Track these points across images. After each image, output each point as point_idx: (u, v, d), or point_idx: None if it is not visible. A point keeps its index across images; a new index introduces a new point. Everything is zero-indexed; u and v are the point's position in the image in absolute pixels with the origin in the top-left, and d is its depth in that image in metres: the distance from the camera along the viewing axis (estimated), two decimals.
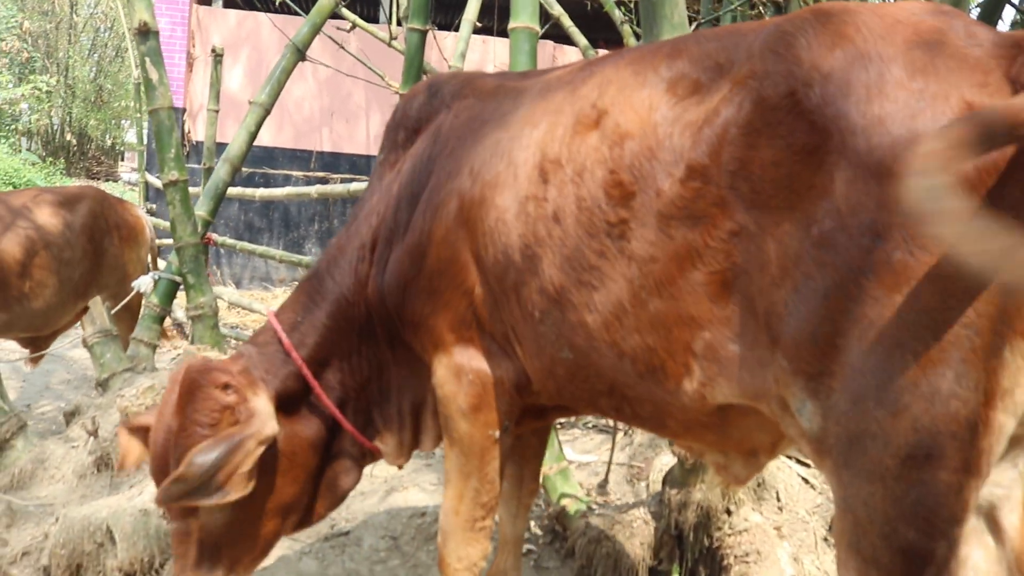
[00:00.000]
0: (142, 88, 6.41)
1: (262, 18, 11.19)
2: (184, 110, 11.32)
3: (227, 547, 2.14)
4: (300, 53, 4.99)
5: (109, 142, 23.27)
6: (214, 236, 7.19)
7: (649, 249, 1.64)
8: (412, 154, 2.25)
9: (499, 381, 2.06)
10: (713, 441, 1.89)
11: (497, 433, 2.09)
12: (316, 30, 5.07)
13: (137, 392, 3.50)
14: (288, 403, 2.23)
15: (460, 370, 2.07)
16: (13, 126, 17.25)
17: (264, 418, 2.11)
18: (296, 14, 7.30)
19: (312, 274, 2.41)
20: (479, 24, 6.48)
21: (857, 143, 1.36)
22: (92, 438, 3.62)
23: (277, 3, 6.89)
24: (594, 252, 1.73)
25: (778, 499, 3.36)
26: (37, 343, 5.25)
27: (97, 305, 4.08)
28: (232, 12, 11.63)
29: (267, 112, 4.86)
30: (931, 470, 1.32)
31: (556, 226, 1.80)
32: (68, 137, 19.76)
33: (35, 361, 5.46)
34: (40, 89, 17.38)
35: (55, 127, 20.04)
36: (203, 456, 1.94)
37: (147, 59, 3.88)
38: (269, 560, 3.13)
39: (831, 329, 1.38)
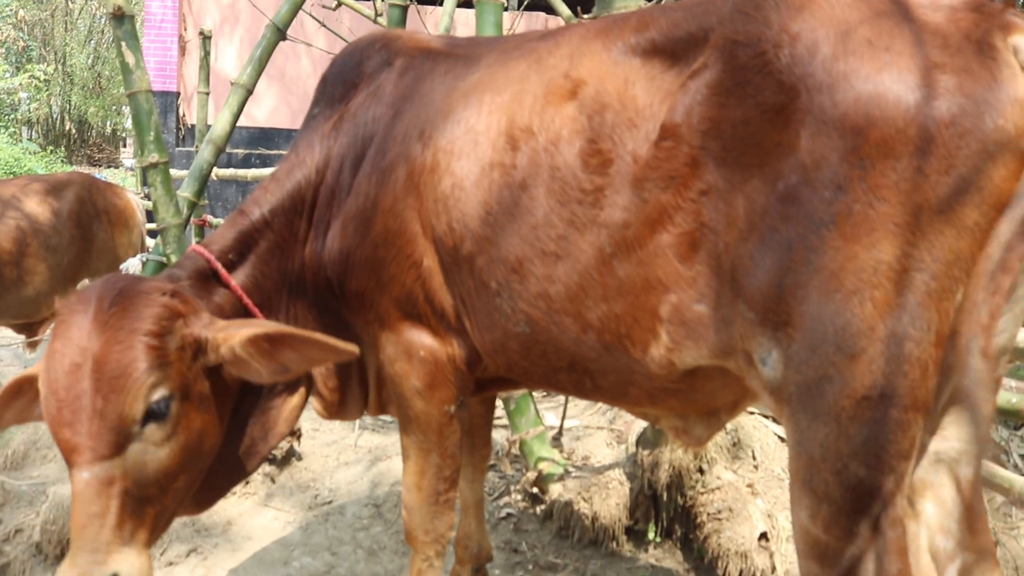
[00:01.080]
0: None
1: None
2: (178, 94, 11.34)
3: (153, 501, 1.77)
4: (280, 32, 5.00)
5: (109, 129, 23.32)
6: (209, 218, 7.27)
7: (622, 214, 1.68)
8: (353, 112, 2.18)
9: (451, 357, 2.05)
10: (675, 406, 1.92)
11: (453, 408, 2.10)
12: (296, 8, 5.05)
13: None
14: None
15: (411, 347, 2.05)
16: (12, 116, 17.30)
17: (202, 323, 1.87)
18: None
19: (242, 213, 2.20)
20: None
21: (823, 99, 1.43)
22: None
23: None
24: (563, 221, 1.75)
25: (754, 458, 3.42)
26: (31, 328, 5.32)
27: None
28: None
29: (249, 92, 4.86)
30: (883, 409, 1.41)
31: (524, 194, 1.80)
32: (68, 125, 19.83)
33: (32, 346, 5.54)
34: (38, 78, 17.42)
35: (55, 116, 20.11)
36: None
37: (123, 43, 3.90)
38: (253, 531, 3.21)
39: (793, 280, 1.45)
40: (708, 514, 3.06)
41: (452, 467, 2.18)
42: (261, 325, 1.90)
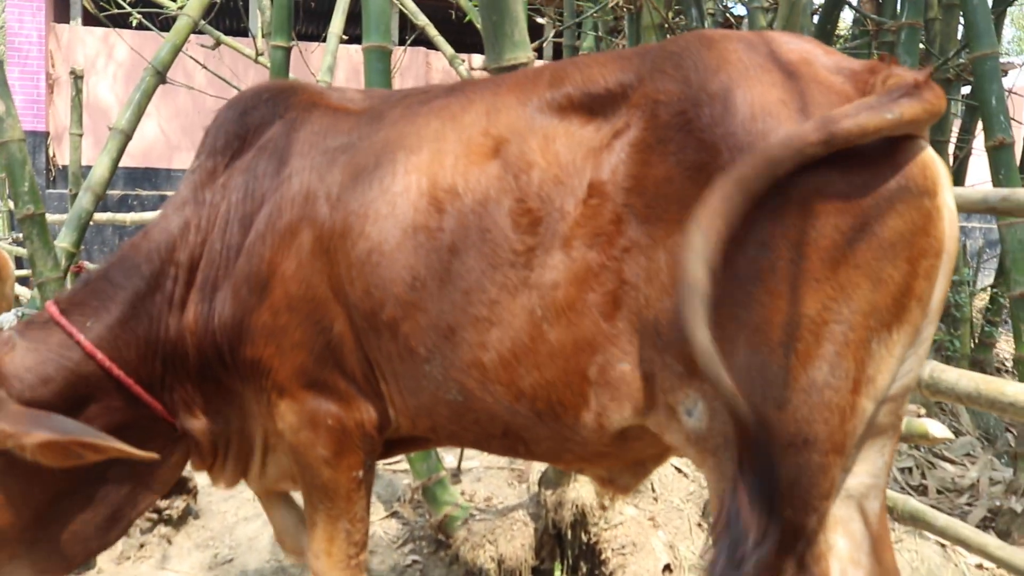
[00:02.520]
0: None
1: (127, 35, 10.85)
2: (48, 133, 10.87)
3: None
4: (160, 76, 4.89)
5: None
6: (86, 264, 6.97)
7: (552, 275, 1.68)
8: (242, 168, 2.09)
9: (359, 423, 1.99)
10: (608, 465, 1.95)
11: (361, 473, 2.06)
12: (176, 50, 4.94)
13: None
14: (66, 407, 1.97)
15: (315, 416, 1.98)
16: None
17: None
18: (150, 30, 7.10)
19: (102, 275, 2.13)
20: (346, 37, 6.46)
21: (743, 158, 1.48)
22: None
23: (133, 23, 6.70)
24: (496, 284, 1.72)
25: (653, 490, 3.51)
26: None
27: None
28: (94, 30, 11.22)
29: (128, 138, 4.73)
30: (806, 454, 1.47)
31: (454, 258, 1.76)
32: None
33: None
34: None
35: None
36: None
37: None
38: None
39: (720, 334, 1.47)
40: (612, 549, 3.12)
41: (361, 531, 2.13)
42: (53, 429, 1.82)
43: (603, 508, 3.19)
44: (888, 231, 1.46)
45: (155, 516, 3.37)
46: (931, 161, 1.50)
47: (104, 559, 3.21)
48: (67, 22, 11.32)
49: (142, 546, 3.30)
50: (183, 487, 3.45)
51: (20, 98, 10.59)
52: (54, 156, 10.93)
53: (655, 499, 3.41)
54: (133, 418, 2.09)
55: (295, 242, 1.94)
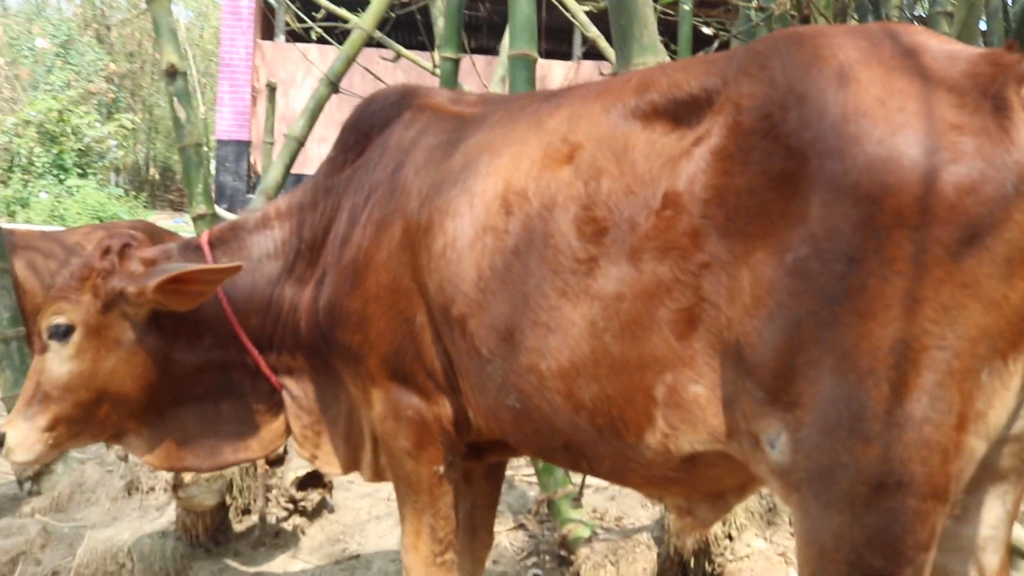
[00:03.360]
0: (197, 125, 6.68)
1: (328, 50, 11.52)
2: (250, 142, 11.72)
3: (54, 401, 2.22)
4: (333, 86, 5.13)
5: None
6: None
7: (617, 286, 1.60)
8: (361, 164, 2.21)
9: (437, 417, 2.02)
10: (678, 492, 1.84)
11: (442, 469, 2.07)
12: (349, 62, 5.18)
13: None
14: (187, 321, 2.28)
15: (398, 406, 2.04)
16: (100, 163, 18.07)
17: (130, 277, 2.21)
18: (331, 43, 7.49)
19: (246, 223, 2.39)
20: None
21: (834, 165, 1.34)
22: (123, 463, 3.78)
23: (315, 37, 7.08)
24: (556, 291, 1.68)
25: (790, 524, 3.30)
26: None
27: None
28: (296, 45, 11.99)
29: (301, 144, 5.00)
30: (900, 497, 1.32)
31: (516, 261, 1.74)
32: (152, 172, 20.66)
33: None
34: (125, 127, 18.22)
35: (140, 163, 20.97)
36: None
37: (175, 98, 4.05)
38: None
39: (805, 359, 1.36)
40: None
41: (446, 528, 2.14)
42: (163, 272, 2.15)
43: (730, 539, 3.03)
44: (1002, 244, 1.27)
45: (291, 506, 3.51)
46: None
47: (241, 543, 3.38)
48: (271, 39, 12.16)
49: (277, 534, 3.45)
50: (319, 480, 3.57)
51: (228, 110, 11.50)
52: (255, 163, 11.76)
53: (791, 534, 3.20)
54: (239, 362, 2.33)
55: (388, 233, 2.01)
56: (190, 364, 2.31)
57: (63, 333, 2.22)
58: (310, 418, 2.34)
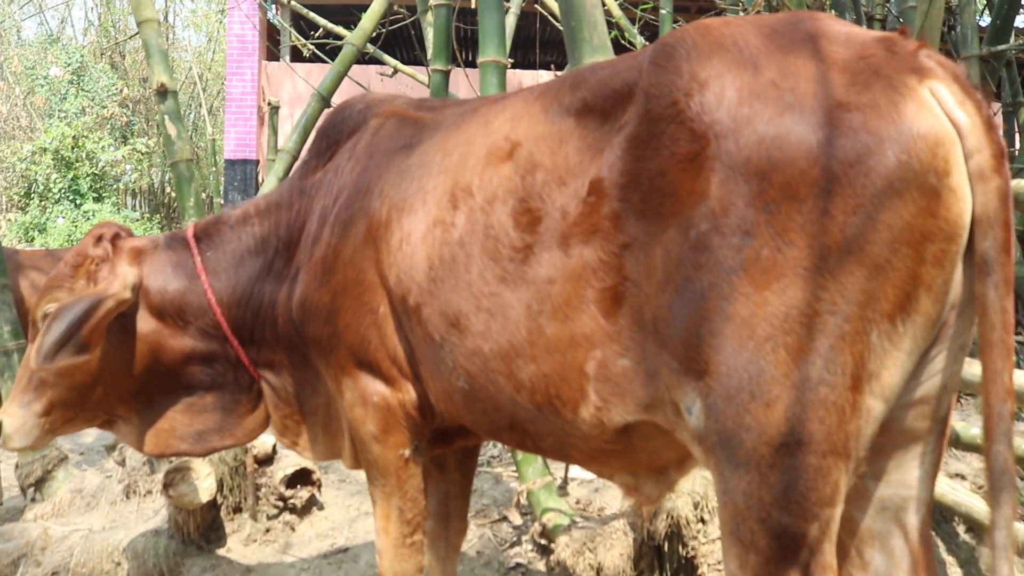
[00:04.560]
0: (206, 144, 6.76)
1: (302, 68, 11.69)
2: (257, 161, 11.91)
3: (49, 387, 2.32)
4: (325, 101, 5.28)
5: (205, 197, 24.58)
6: None
7: (548, 271, 1.71)
8: (331, 166, 2.34)
9: (402, 403, 2.13)
10: (622, 465, 1.93)
11: (408, 452, 2.17)
12: (340, 77, 5.34)
13: None
14: (173, 310, 2.42)
15: (365, 393, 2.14)
16: (116, 186, 18.36)
17: (123, 282, 2.32)
18: (324, 62, 7.65)
19: (228, 218, 2.51)
20: (510, 60, 6.66)
21: (728, 145, 1.44)
22: (121, 468, 3.91)
23: (306, 54, 7.23)
24: (496, 278, 1.79)
25: None
26: None
27: None
28: (299, 66, 12.20)
29: (294, 159, 5.13)
30: (801, 455, 1.40)
31: (461, 251, 1.86)
32: (168, 194, 20.93)
33: None
34: (139, 151, 18.49)
35: (155, 186, 21.26)
36: (66, 313, 2.22)
37: (166, 117, 4.20)
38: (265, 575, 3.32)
39: (708, 329, 1.45)
40: (709, 564, 3.03)
41: (414, 510, 2.24)
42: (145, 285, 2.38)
43: (702, 522, 3.10)
44: (886, 213, 1.35)
45: (281, 504, 3.62)
46: (944, 135, 1.36)
47: (233, 540, 3.49)
48: (277, 60, 12.38)
49: (268, 531, 3.56)
50: (307, 478, 3.68)
51: (236, 130, 11.71)
52: (262, 181, 11.95)
53: None
54: (221, 353, 2.45)
55: (353, 231, 2.13)
56: (177, 352, 2.43)
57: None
58: (289, 408, 2.46)
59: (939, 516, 3.23)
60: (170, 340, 2.42)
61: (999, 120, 5.67)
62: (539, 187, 1.75)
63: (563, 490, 3.47)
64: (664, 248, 1.52)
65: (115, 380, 2.38)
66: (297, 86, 12.08)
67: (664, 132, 1.53)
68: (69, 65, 18.81)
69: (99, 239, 2.41)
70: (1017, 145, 6.09)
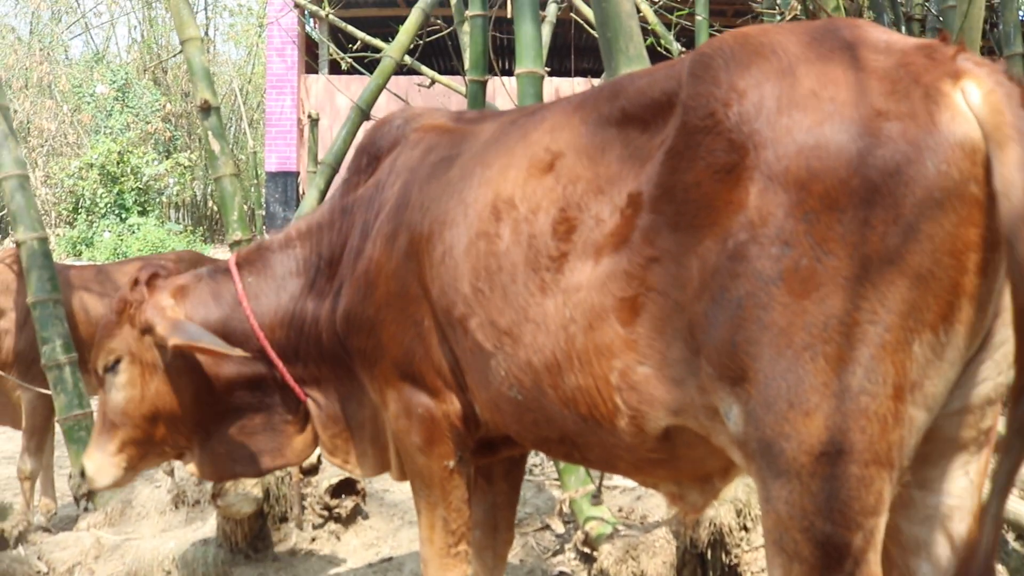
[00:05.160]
0: (239, 157, 6.85)
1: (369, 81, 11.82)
2: (297, 174, 12.07)
3: (119, 428, 2.47)
4: (364, 114, 5.34)
5: (247, 209, 24.98)
6: None
7: (578, 279, 1.73)
8: (372, 182, 2.37)
9: (446, 414, 2.14)
10: (668, 475, 1.94)
11: (452, 463, 2.19)
12: (379, 89, 5.40)
13: None
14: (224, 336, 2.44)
15: (409, 405, 2.17)
16: (159, 199, 18.74)
17: (158, 311, 2.41)
18: (362, 74, 7.73)
19: (270, 243, 2.55)
20: (547, 69, 6.68)
21: (768, 155, 1.44)
22: (170, 478, 3.99)
23: (344, 67, 7.32)
24: (537, 288, 1.81)
25: None
26: None
27: None
28: (338, 78, 12.35)
29: (335, 171, 5.21)
30: (842, 464, 1.38)
31: (507, 262, 1.88)
32: (210, 206, 21.30)
33: None
34: (182, 164, 18.85)
35: (198, 199, 21.64)
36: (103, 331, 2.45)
37: (210, 132, 4.29)
38: None
39: (745, 337, 1.45)
40: (752, 572, 3.01)
41: (459, 520, 2.26)
42: (187, 335, 2.35)
43: (745, 529, 3.09)
44: (926, 222, 1.34)
45: (326, 513, 3.67)
46: (979, 143, 1.35)
47: (279, 549, 3.55)
48: (316, 73, 12.54)
49: (313, 540, 3.61)
50: (352, 488, 3.73)
51: (276, 143, 11.88)
52: (303, 193, 12.11)
53: None
54: (268, 376, 2.49)
55: (396, 245, 2.15)
56: (225, 379, 2.49)
57: (113, 365, 2.49)
58: (336, 427, 2.50)
59: None
60: (218, 369, 2.47)
61: None
62: (578, 197, 1.77)
63: (597, 499, 3.47)
64: (700, 259, 1.53)
65: (173, 414, 2.47)
66: (336, 99, 12.23)
67: (701, 144, 1.53)
68: (114, 82, 19.25)
69: (135, 283, 2.50)
70: None
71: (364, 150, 2.50)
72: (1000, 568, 3.15)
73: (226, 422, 2.54)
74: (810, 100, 1.43)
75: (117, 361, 2.48)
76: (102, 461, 2.49)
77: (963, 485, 1.55)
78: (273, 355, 2.45)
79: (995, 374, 1.49)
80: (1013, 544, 3.18)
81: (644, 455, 1.78)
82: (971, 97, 1.37)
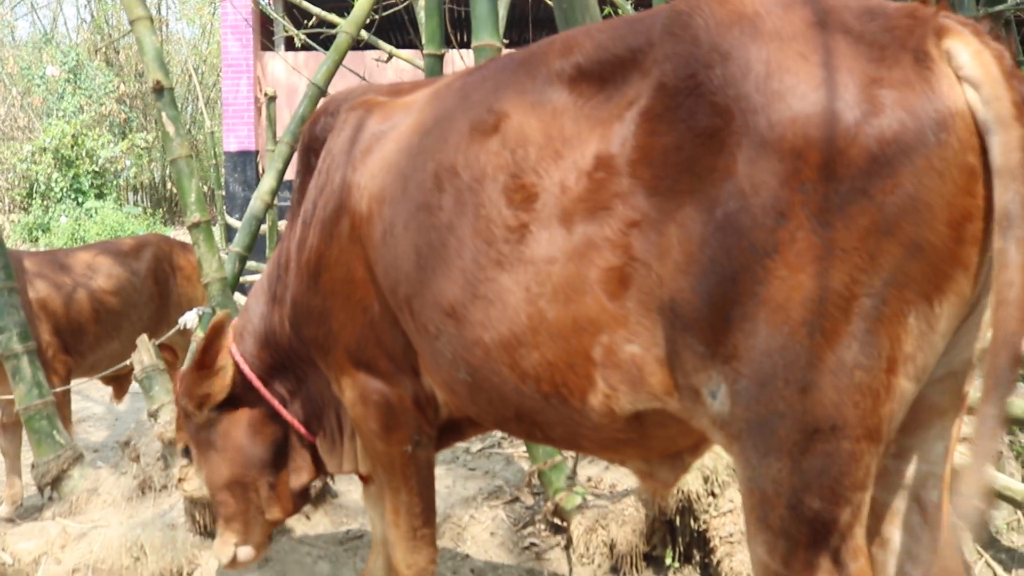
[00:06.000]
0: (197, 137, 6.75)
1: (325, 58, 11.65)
2: (256, 152, 11.90)
3: (216, 506, 2.66)
4: (321, 91, 5.27)
5: (207, 190, 24.62)
6: None
7: (548, 250, 1.62)
8: (312, 176, 2.31)
9: (400, 398, 2.11)
10: (636, 453, 1.90)
11: (410, 448, 2.17)
12: (335, 67, 5.32)
13: (170, 418, 3.78)
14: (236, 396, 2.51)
15: (364, 392, 2.14)
16: (116, 182, 18.39)
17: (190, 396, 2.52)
18: (317, 50, 7.64)
19: (259, 282, 2.63)
20: (505, 41, 6.63)
21: (759, 121, 1.38)
22: (135, 464, 3.94)
23: (298, 44, 7.21)
24: (491, 262, 1.70)
25: None
26: (120, 382, 5.73)
27: (144, 343, 4.41)
28: (295, 55, 12.16)
29: (293, 150, 5.13)
30: (836, 441, 1.37)
31: (451, 236, 1.77)
32: (169, 189, 20.96)
33: (119, 397, 5.98)
34: (139, 146, 18.50)
35: (156, 181, 21.29)
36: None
37: (163, 113, 4.20)
38: (286, 566, 3.36)
39: (740, 312, 1.40)
40: (720, 537, 3.06)
41: (421, 504, 2.26)
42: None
43: (713, 495, 3.13)
44: (924, 192, 1.31)
45: None
46: (976, 113, 1.32)
47: None
48: (272, 49, 12.35)
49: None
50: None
51: (234, 121, 11.70)
52: (262, 172, 11.96)
53: None
54: (273, 412, 2.55)
55: (336, 230, 2.08)
56: (252, 428, 2.57)
57: (186, 453, 2.75)
58: (328, 443, 2.53)
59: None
60: (243, 422, 2.55)
61: None
62: (532, 161, 1.66)
63: (571, 479, 3.50)
64: (681, 227, 1.46)
65: (238, 477, 2.58)
66: (293, 77, 12.05)
67: (681, 105, 1.46)
68: (65, 64, 18.80)
69: (181, 379, 2.59)
70: None
71: (307, 148, 2.43)
72: (960, 523, 3.22)
73: (273, 460, 2.60)
74: (801, 64, 1.38)
75: (186, 451, 2.73)
76: (223, 546, 2.64)
77: (939, 452, 1.56)
78: (255, 382, 2.51)
79: (974, 338, 1.49)
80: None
81: (611, 435, 1.73)
82: (963, 65, 1.34)
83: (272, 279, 2.47)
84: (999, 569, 3.11)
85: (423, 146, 1.89)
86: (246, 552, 2.64)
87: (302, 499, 2.69)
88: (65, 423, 4.60)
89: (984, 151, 1.32)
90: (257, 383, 2.48)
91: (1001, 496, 2.81)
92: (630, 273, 1.54)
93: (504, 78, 1.81)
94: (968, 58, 1.33)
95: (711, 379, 1.47)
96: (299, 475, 2.58)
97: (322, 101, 2.51)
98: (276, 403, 2.50)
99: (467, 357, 1.80)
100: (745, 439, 1.44)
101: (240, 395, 2.50)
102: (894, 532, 1.58)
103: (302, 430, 2.50)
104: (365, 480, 2.60)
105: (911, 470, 1.56)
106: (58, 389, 4.49)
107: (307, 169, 2.41)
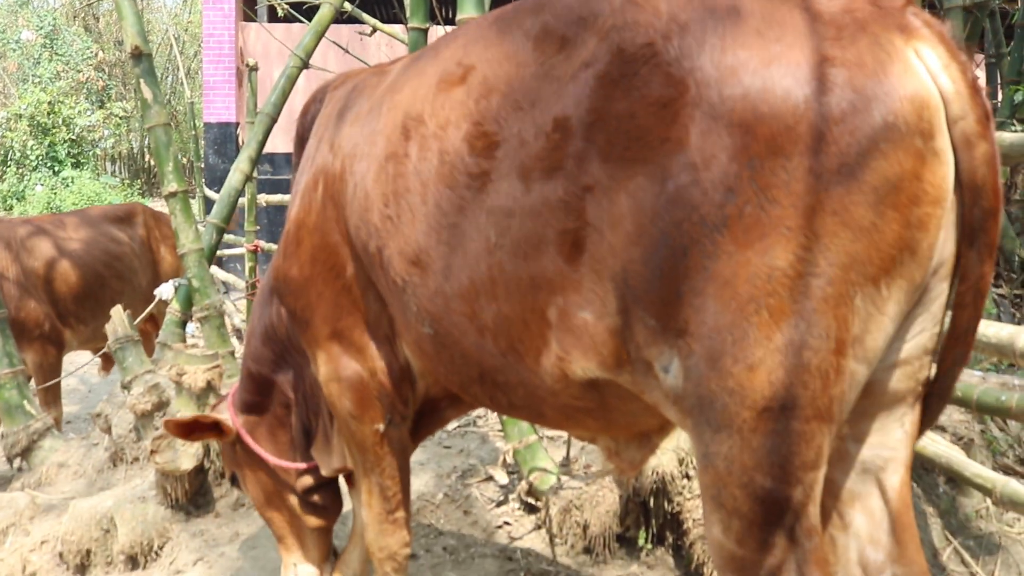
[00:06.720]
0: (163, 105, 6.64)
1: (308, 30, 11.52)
2: (238, 124, 11.77)
3: (269, 525, 2.75)
4: (303, 62, 5.20)
5: (185, 161, 24.34)
6: (261, 243, 7.52)
7: (507, 202, 1.63)
8: (303, 160, 2.32)
9: (373, 373, 2.10)
10: (599, 427, 1.90)
11: (382, 427, 2.16)
12: (318, 38, 5.26)
13: (143, 390, 3.74)
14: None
15: (338, 368, 2.13)
16: (93, 151, 18.16)
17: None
18: (301, 22, 7.56)
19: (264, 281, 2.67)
20: None
21: (711, 94, 1.37)
22: (107, 436, 3.90)
23: (280, 14, 7.12)
24: (454, 207, 1.70)
25: None
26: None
27: (118, 313, 4.35)
28: (276, 26, 12.01)
29: (273, 121, 5.08)
30: (784, 420, 1.36)
31: (416, 181, 1.78)
32: (147, 159, 20.72)
33: (107, 368, 5.95)
34: (117, 115, 18.26)
35: (135, 151, 21.03)
36: None
37: (141, 80, 4.13)
38: (258, 541, 3.34)
39: (690, 287, 1.40)
40: (694, 519, 3.06)
41: (394, 487, 2.24)
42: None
43: (687, 478, 3.14)
44: (871, 173, 1.31)
45: None
46: (930, 99, 1.33)
47: (221, 505, 3.51)
48: (254, 20, 12.18)
49: None
50: None
51: (215, 92, 11.55)
52: (242, 144, 11.82)
53: None
54: (275, 420, 2.66)
55: (314, 196, 2.09)
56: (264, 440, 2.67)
57: (233, 480, 2.85)
58: (324, 439, 2.51)
59: (919, 468, 3.28)
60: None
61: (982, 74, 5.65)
62: (495, 111, 1.66)
63: (566, 467, 3.50)
64: (631, 197, 1.46)
65: (265, 491, 2.67)
66: (274, 47, 11.90)
67: (636, 73, 1.46)
68: (41, 29, 18.49)
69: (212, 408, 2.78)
70: (1000, 98, 6.08)
71: (301, 137, 2.46)
72: (930, 510, 3.25)
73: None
74: (755, 40, 1.38)
75: (233, 478, 2.81)
76: (289, 571, 2.68)
77: (898, 437, 1.56)
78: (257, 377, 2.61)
79: (931, 325, 1.49)
80: (943, 487, 3.29)
81: (569, 401, 1.73)
82: (924, 55, 1.35)
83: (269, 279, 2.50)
84: (967, 556, 3.14)
85: (395, 102, 1.90)
86: (307, 571, 2.65)
87: (328, 500, 2.65)
88: (54, 395, 4.57)
89: (934, 136, 1.34)
90: (246, 437, 2.61)
91: (971, 484, 2.83)
92: (584, 238, 1.54)
93: (476, 34, 1.81)
94: (939, 69, 1.35)
95: (663, 354, 1.47)
96: (338, 457, 2.52)
97: (307, 98, 2.50)
98: (259, 450, 2.61)
99: (430, 308, 1.81)
100: (698, 415, 1.44)
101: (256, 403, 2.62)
102: (855, 515, 1.58)
103: (288, 466, 2.60)
104: (350, 482, 2.58)
105: (872, 455, 1.56)
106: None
107: (299, 157, 2.42)
